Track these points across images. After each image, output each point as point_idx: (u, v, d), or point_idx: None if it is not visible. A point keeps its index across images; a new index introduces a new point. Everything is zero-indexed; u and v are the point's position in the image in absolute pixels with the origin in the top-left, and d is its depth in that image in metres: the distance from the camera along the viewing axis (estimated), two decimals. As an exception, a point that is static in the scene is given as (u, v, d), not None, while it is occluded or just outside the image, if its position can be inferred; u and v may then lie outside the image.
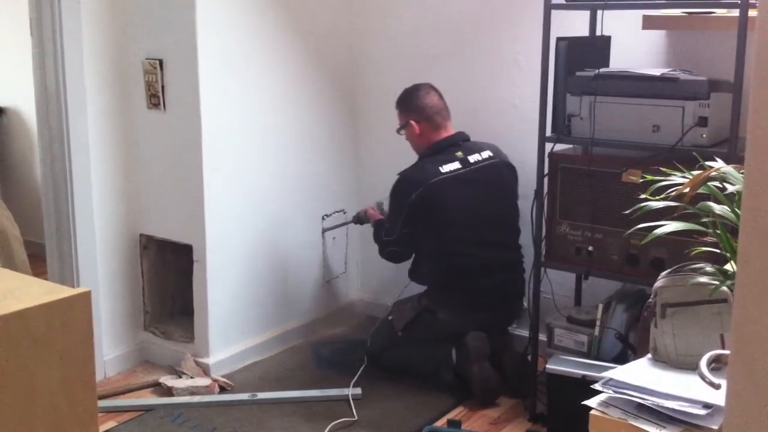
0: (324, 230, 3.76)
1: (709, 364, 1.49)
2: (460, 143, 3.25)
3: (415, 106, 3.26)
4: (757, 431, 0.88)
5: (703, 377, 1.46)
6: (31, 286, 1.34)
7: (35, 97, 3.23)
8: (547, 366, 2.77)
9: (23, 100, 4.54)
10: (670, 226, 1.75)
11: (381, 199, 3.51)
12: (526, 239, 3.16)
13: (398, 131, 3.33)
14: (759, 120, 0.83)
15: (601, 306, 2.88)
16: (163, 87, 3.20)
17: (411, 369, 3.25)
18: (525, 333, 3.18)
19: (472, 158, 3.22)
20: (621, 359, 2.70)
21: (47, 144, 3.22)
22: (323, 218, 3.77)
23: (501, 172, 3.26)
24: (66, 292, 1.29)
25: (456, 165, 3.19)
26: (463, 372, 3.13)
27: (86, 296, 1.29)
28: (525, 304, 3.21)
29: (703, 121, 2.54)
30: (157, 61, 3.19)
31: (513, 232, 3.28)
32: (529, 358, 3.00)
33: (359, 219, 3.60)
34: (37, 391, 1.29)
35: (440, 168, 3.16)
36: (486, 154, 3.25)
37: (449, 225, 3.17)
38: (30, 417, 1.28)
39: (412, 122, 3.26)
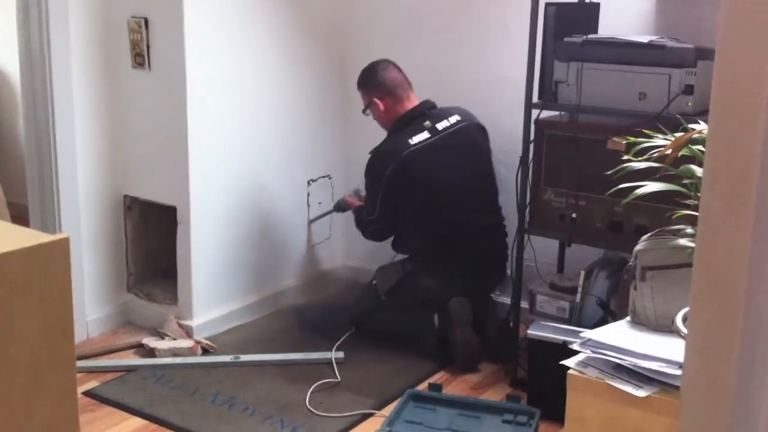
0: (310, 221, 3.76)
1: (684, 320, 1.51)
2: (426, 112, 3.24)
3: (375, 83, 3.26)
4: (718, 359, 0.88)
5: (678, 332, 1.47)
6: (10, 232, 1.33)
7: (19, 56, 3.20)
8: (528, 332, 2.78)
9: (7, 60, 4.49)
10: (651, 187, 1.76)
11: (358, 186, 3.53)
12: (510, 206, 3.17)
13: (364, 112, 3.33)
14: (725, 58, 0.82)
15: (583, 273, 2.90)
16: (148, 46, 3.17)
17: (394, 333, 3.27)
18: (508, 300, 3.19)
19: (441, 125, 3.21)
20: (601, 325, 2.71)
21: (31, 104, 3.18)
22: (309, 183, 3.76)
23: (471, 134, 3.26)
24: (45, 237, 1.28)
25: (425, 135, 3.18)
26: (445, 337, 3.15)
27: (65, 242, 1.29)
28: (508, 271, 3.22)
29: (689, 89, 2.54)
30: (143, 20, 3.15)
31: (491, 194, 3.29)
32: (511, 324, 3.02)
33: (340, 207, 3.65)
34: (17, 337, 1.28)
35: (409, 140, 3.16)
36: (454, 118, 3.24)
37: (427, 195, 3.18)
38: (9, 363, 1.28)
39: (376, 100, 3.26)
